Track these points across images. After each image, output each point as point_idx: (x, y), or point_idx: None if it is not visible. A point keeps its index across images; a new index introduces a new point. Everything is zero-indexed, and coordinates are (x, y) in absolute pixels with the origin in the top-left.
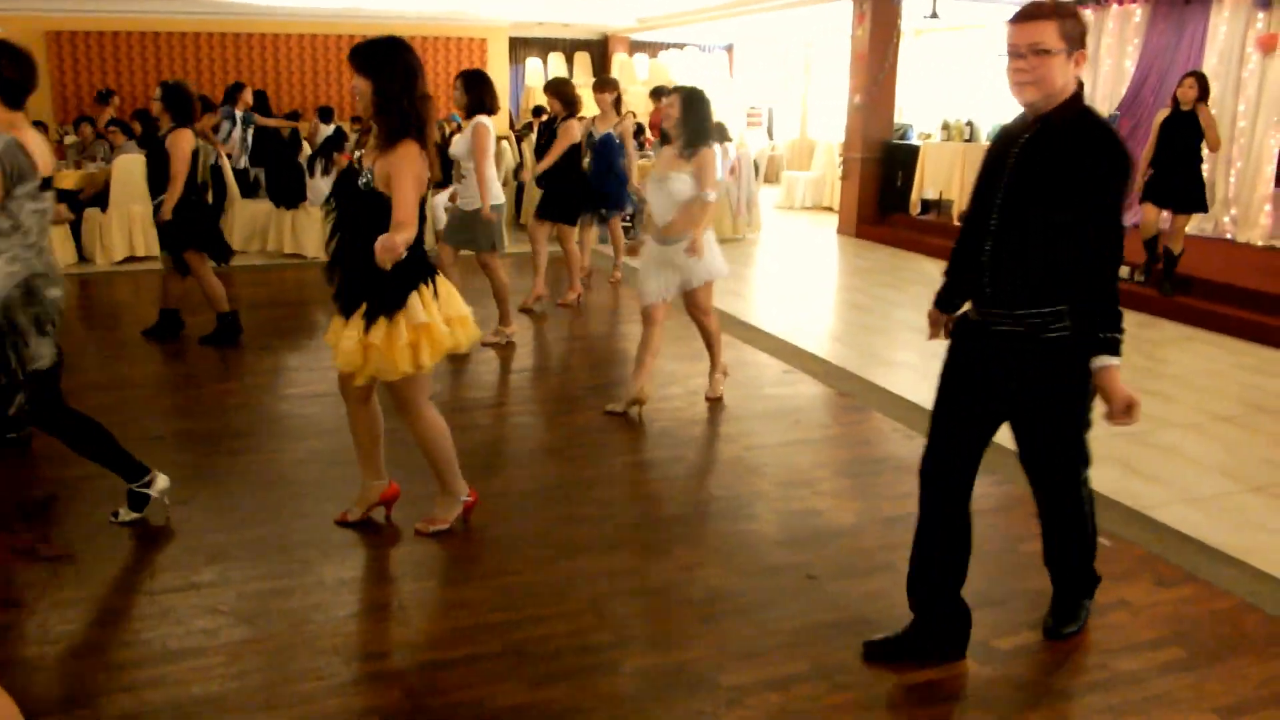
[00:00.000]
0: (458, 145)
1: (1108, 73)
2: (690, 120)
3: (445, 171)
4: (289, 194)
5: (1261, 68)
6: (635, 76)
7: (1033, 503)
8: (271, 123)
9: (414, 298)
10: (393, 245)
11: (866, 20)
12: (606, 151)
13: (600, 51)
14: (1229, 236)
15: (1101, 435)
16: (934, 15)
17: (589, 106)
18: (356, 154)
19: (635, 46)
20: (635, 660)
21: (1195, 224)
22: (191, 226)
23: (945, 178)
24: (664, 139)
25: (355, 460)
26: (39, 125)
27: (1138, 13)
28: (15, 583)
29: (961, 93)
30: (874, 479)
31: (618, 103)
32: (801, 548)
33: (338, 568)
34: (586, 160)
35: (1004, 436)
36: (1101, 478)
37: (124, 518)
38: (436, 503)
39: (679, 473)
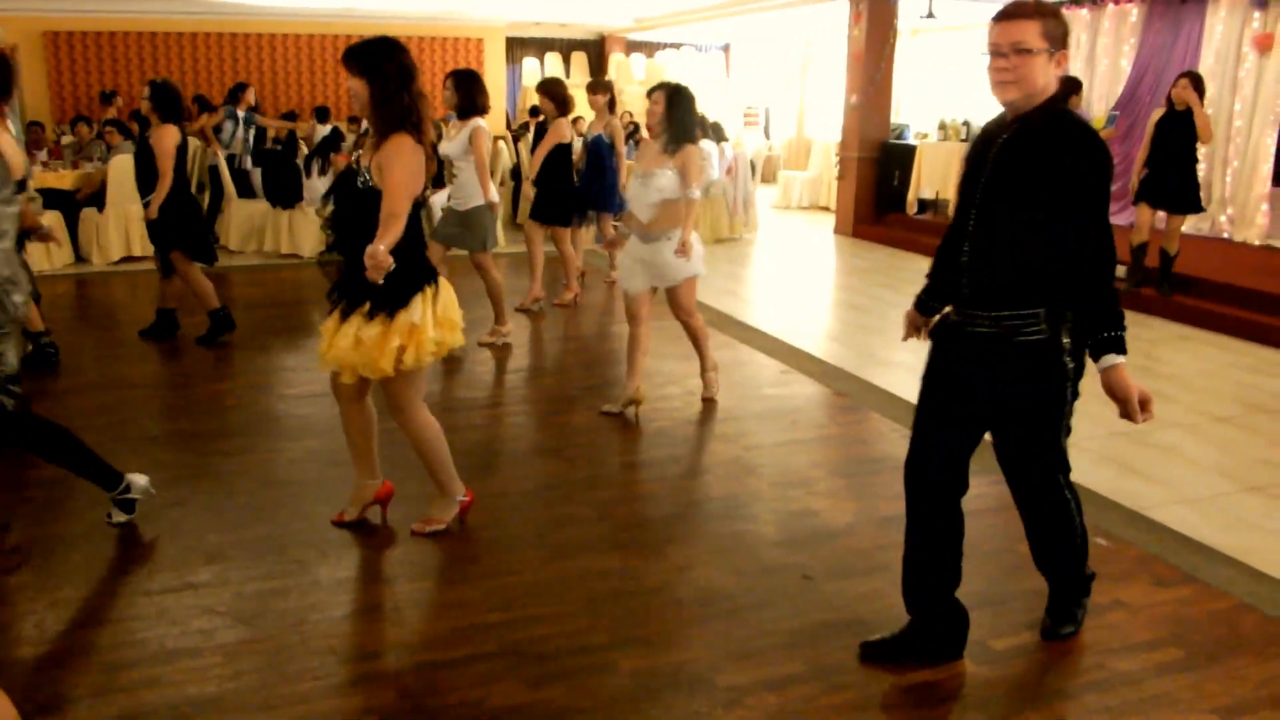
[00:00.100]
0: (451, 145)
1: (1104, 72)
2: (675, 117)
3: (439, 171)
4: (285, 194)
5: (1258, 67)
6: (632, 76)
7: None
8: (268, 122)
9: (417, 300)
10: (378, 255)
11: (863, 20)
12: (597, 153)
13: (597, 51)
14: (1226, 236)
15: (1099, 435)
16: (930, 15)
17: (585, 108)
18: (355, 154)
19: (632, 46)
20: (632, 661)
21: (1192, 223)
22: (177, 225)
23: (942, 177)
24: None
25: (351, 460)
26: (36, 125)
27: (1134, 12)
28: (12, 583)
29: (958, 92)
30: (871, 479)
31: (611, 104)
32: (798, 548)
33: (335, 568)
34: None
35: None
36: (1098, 478)
37: (117, 519)
38: (433, 503)
39: (675, 473)
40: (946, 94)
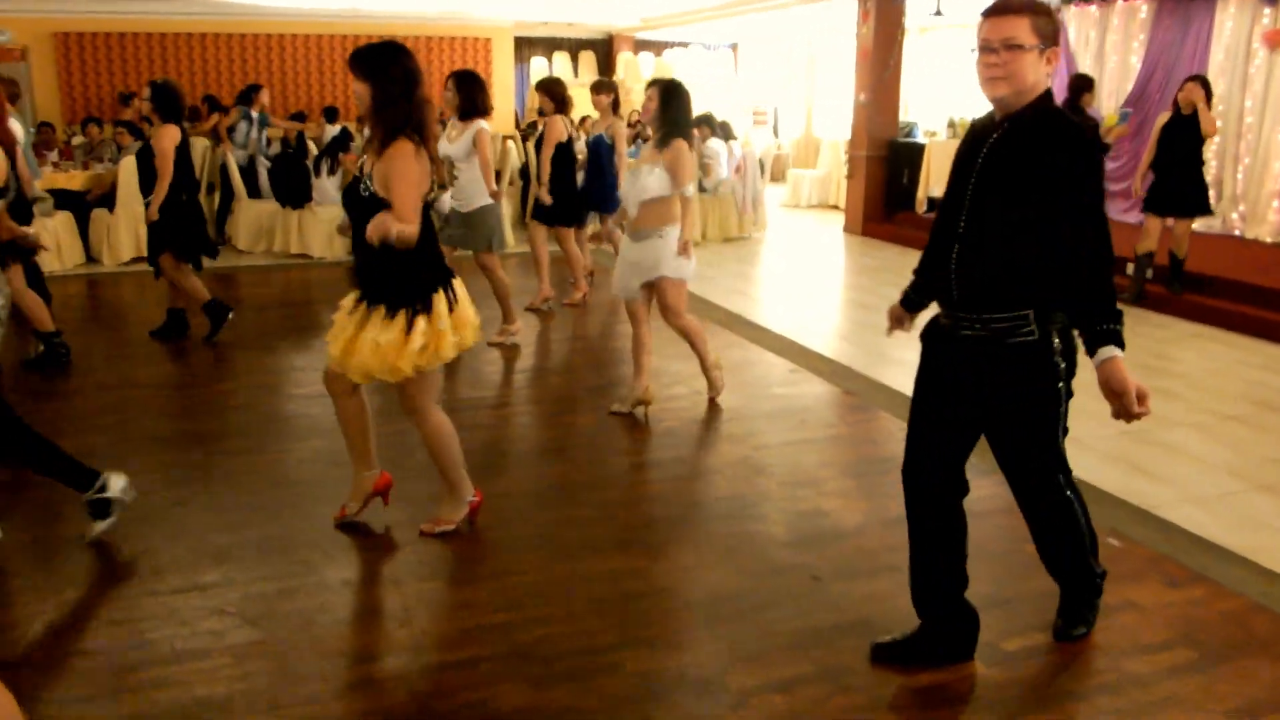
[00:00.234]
0: (454, 147)
1: (1114, 69)
2: (668, 113)
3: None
4: (295, 194)
5: (1268, 63)
6: (640, 75)
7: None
8: (278, 123)
9: (438, 300)
10: (384, 224)
11: (871, 18)
12: (597, 153)
13: (605, 51)
14: (1237, 233)
15: (1108, 434)
16: (938, 13)
17: (590, 108)
18: (361, 160)
19: (640, 45)
20: (639, 662)
21: (1203, 220)
22: (170, 227)
23: None
24: None
25: (349, 454)
26: (46, 126)
27: (1144, 9)
28: (20, 584)
29: (967, 90)
30: (880, 479)
31: (615, 104)
32: (807, 548)
33: (342, 569)
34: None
35: None
36: (1108, 477)
37: (93, 534)
38: (442, 504)
39: (684, 473)
40: (955, 92)
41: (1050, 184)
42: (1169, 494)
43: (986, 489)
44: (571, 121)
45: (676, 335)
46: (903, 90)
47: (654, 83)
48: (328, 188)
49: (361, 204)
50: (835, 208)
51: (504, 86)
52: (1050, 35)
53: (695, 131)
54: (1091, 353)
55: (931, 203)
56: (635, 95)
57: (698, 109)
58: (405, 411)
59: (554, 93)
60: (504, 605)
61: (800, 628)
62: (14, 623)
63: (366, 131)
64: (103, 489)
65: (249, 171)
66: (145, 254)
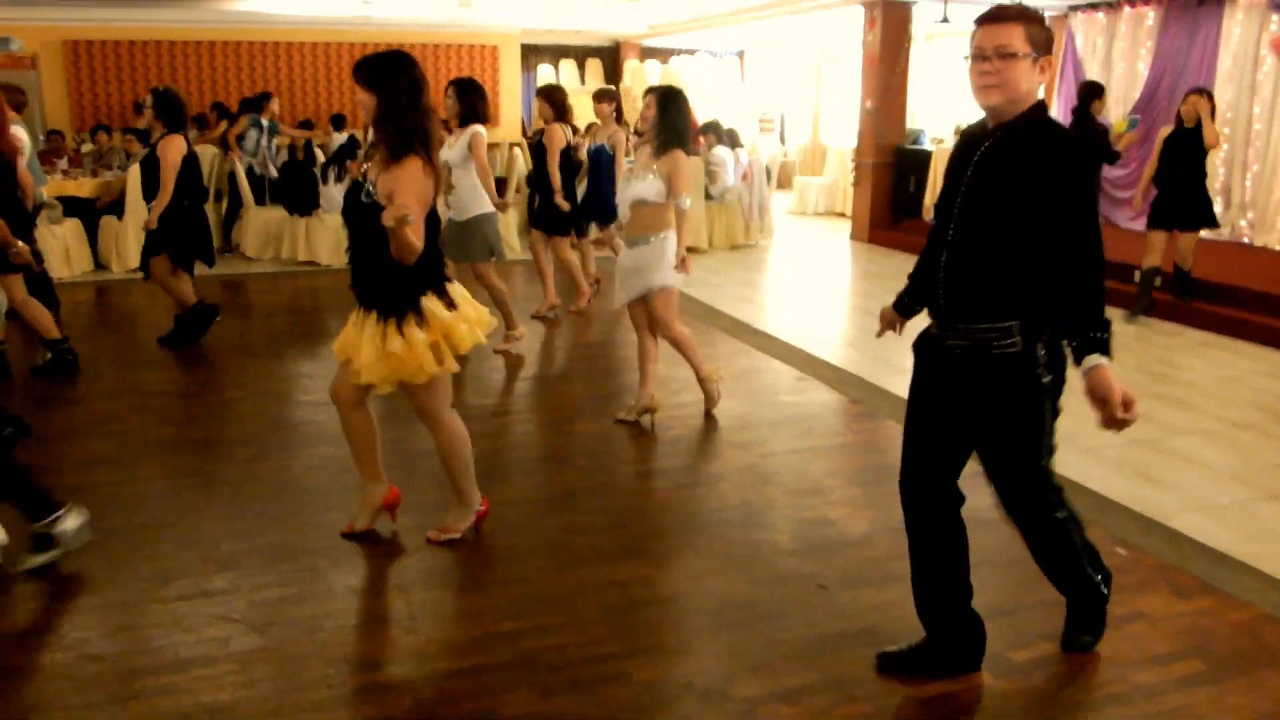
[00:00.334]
0: (450, 153)
1: (1121, 76)
2: (666, 121)
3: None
4: (302, 201)
5: (1276, 70)
6: (646, 83)
7: None
8: (287, 131)
9: (425, 302)
10: (403, 208)
11: (878, 25)
12: (597, 162)
13: (612, 58)
14: (1246, 240)
15: (1116, 443)
16: (945, 20)
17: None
18: (364, 167)
19: (646, 53)
20: (645, 670)
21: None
22: (173, 231)
23: None
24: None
25: (356, 468)
26: (56, 133)
27: (1150, 15)
28: (26, 590)
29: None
30: (886, 487)
31: (618, 113)
32: (813, 557)
33: (348, 576)
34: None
35: None
36: (1116, 485)
37: (26, 565)
38: (449, 511)
39: (690, 481)
40: (962, 99)
41: (1044, 194)
42: (1178, 503)
43: (993, 499)
44: (575, 129)
45: None
46: (909, 97)
47: (652, 90)
48: (335, 195)
49: (361, 210)
50: (842, 215)
51: (511, 94)
52: (1044, 44)
53: (701, 139)
54: (1078, 361)
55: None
56: (642, 104)
57: (704, 116)
58: (420, 418)
59: (554, 100)
60: (510, 613)
61: (806, 637)
62: (19, 628)
63: (371, 136)
64: (54, 523)
65: (259, 179)
66: None
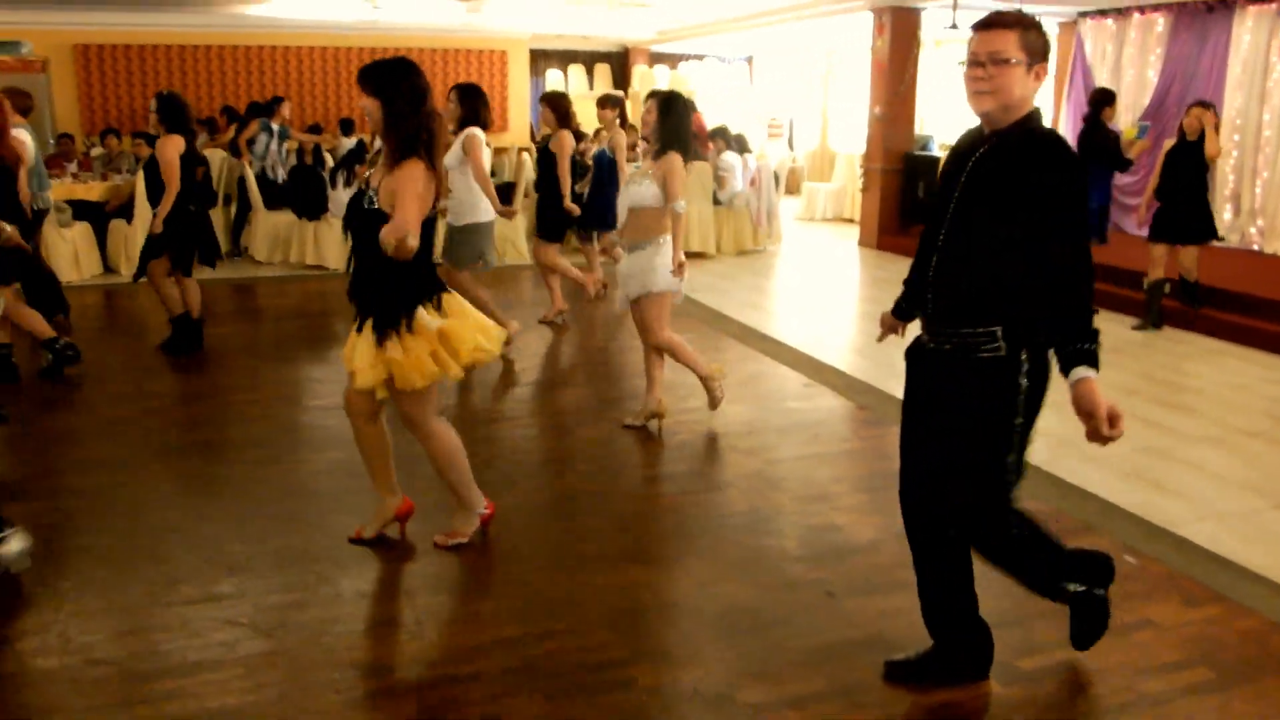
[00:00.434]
0: (447, 156)
1: (1131, 83)
2: (666, 125)
3: None
4: (311, 205)
5: None
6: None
7: (1055, 519)
8: (297, 136)
9: (420, 312)
10: (401, 228)
11: (886, 31)
12: (599, 169)
13: (620, 63)
14: (1255, 247)
15: (1124, 451)
16: (954, 26)
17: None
18: (368, 173)
19: (655, 58)
20: (651, 676)
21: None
22: (177, 235)
23: None
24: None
25: (370, 477)
26: (66, 137)
27: (1160, 22)
28: (35, 593)
29: None
30: (893, 493)
31: (622, 119)
32: (820, 563)
33: (355, 580)
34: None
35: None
36: (1124, 493)
37: None
38: (454, 516)
39: (696, 486)
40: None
41: (1038, 203)
42: (1186, 511)
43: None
44: (581, 134)
45: (694, 348)
46: (918, 103)
47: (653, 94)
48: (343, 200)
49: (363, 216)
50: (850, 221)
51: (519, 99)
52: (1040, 51)
53: (710, 144)
54: (1065, 372)
55: None
56: None
57: (713, 121)
58: (406, 426)
59: (558, 106)
60: (515, 618)
61: (813, 643)
62: (26, 632)
63: (378, 143)
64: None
65: (269, 182)
66: None
